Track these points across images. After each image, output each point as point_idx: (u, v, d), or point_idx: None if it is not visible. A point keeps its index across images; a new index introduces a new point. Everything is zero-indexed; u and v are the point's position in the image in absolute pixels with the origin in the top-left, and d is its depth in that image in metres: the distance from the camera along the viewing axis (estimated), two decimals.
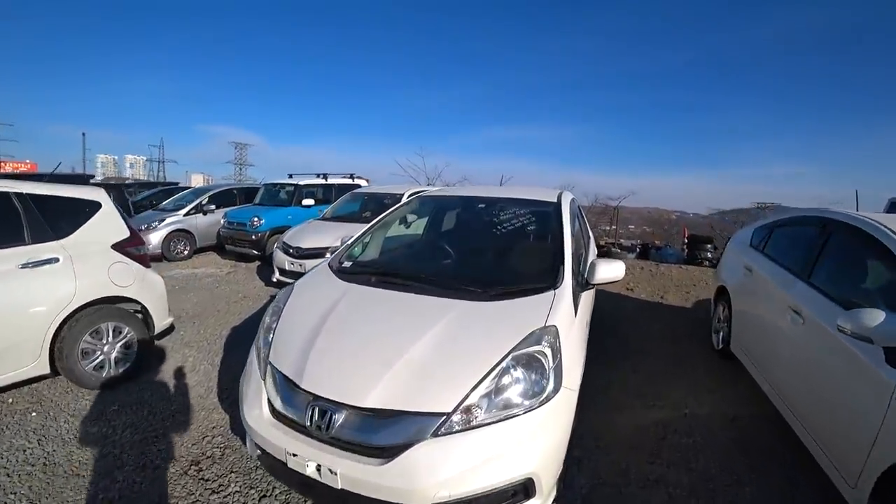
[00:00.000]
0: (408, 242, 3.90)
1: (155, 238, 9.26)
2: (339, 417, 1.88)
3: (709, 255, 9.74)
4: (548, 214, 3.25)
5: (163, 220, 9.49)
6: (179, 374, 3.97)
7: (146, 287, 3.99)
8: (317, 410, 1.92)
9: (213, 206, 10.14)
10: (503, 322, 2.15)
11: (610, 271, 2.75)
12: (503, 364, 1.94)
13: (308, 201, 9.39)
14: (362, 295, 2.51)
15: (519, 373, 1.94)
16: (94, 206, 3.85)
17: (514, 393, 1.90)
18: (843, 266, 2.81)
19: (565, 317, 2.23)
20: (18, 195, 3.43)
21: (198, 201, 10.10)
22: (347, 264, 2.98)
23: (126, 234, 3.96)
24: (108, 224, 3.88)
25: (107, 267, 3.72)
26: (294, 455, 1.93)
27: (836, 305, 2.47)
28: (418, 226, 4.28)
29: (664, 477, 2.67)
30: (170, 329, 5.04)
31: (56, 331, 3.43)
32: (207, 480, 2.63)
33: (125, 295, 3.81)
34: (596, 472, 2.70)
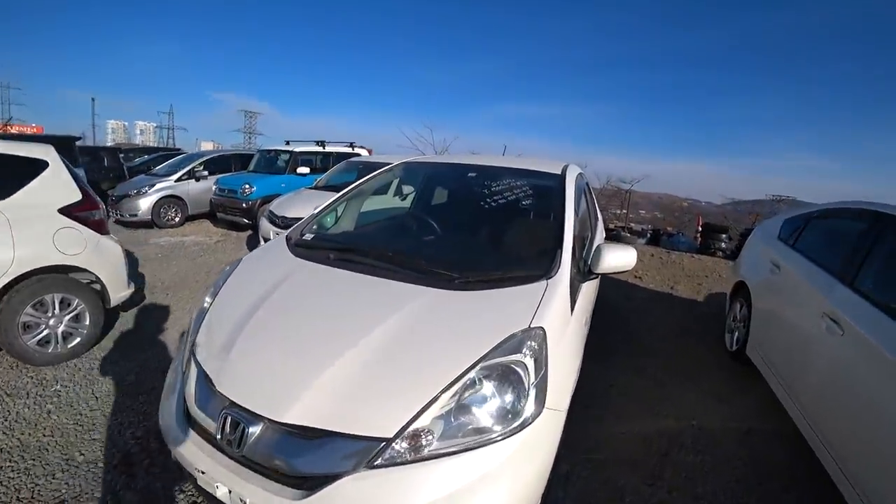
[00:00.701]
0: (387, 215, 3.46)
1: (144, 204, 8.91)
2: (255, 432, 1.48)
3: (723, 245, 9.21)
4: (548, 189, 2.78)
5: (153, 185, 9.10)
6: (134, 350, 3.62)
7: (100, 255, 3.60)
8: (229, 420, 1.52)
9: (205, 172, 9.73)
10: (477, 319, 1.72)
11: (619, 258, 2.28)
12: (469, 376, 1.50)
13: (303, 169, 8.94)
14: (312, 275, 2.09)
15: (489, 388, 1.52)
16: (40, 166, 3.43)
17: (480, 415, 1.48)
18: None
19: (557, 315, 1.81)
20: None
21: (190, 167, 9.69)
22: (308, 237, 2.54)
23: (77, 196, 3.55)
24: (56, 186, 3.47)
25: (52, 233, 3.33)
26: (202, 472, 1.55)
27: (893, 321, 2.01)
28: (409, 197, 3.86)
29: None
30: (140, 300, 4.74)
31: None
32: (134, 477, 2.30)
33: (73, 264, 3.43)
34: (585, 492, 2.31)
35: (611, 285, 5.92)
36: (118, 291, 3.76)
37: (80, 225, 3.51)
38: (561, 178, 2.78)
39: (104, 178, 10.99)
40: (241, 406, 1.53)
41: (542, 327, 1.67)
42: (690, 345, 4.27)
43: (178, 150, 18.24)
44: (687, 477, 2.49)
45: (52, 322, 3.38)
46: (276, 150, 9.83)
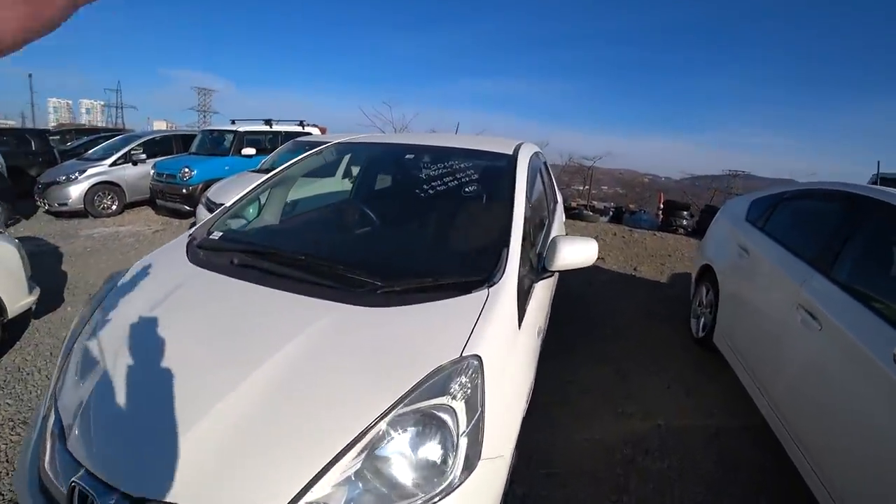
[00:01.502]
0: (317, 205, 3.07)
1: (75, 192, 8.11)
2: None
3: (684, 222, 9.19)
4: (497, 172, 2.45)
5: (84, 171, 8.29)
6: (37, 369, 3.15)
7: None
8: (77, 492, 1.16)
9: (143, 156, 8.95)
10: (395, 346, 1.38)
11: (577, 253, 1.97)
12: (380, 427, 1.18)
13: (249, 150, 8.31)
14: (202, 290, 1.70)
15: (404, 443, 1.19)
16: None
17: (395, 477, 1.16)
18: (886, 263, 2.15)
19: (501, 334, 1.49)
20: None
21: (126, 149, 8.89)
22: (215, 235, 2.13)
23: None
24: None
25: None
26: None
27: (882, 320, 1.80)
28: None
29: None
30: (58, 303, 4.22)
31: None
32: None
33: None
34: None
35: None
36: (16, 300, 3.26)
37: None
38: (512, 160, 2.44)
39: (32, 163, 9.99)
40: (91, 472, 1.17)
41: (477, 356, 1.34)
42: (655, 330, 4.10)
43: (122, 130, 16.96)
44: (655, 488, 2.28)
45: None
46: (219, 130, 9.14)
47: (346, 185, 3.54)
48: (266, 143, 9.11)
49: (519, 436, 1.56)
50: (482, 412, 1.27)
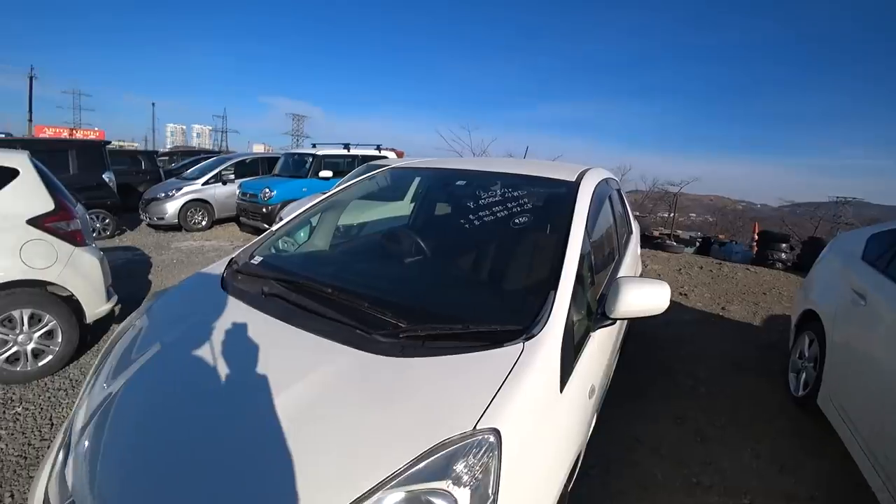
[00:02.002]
0: (367, 232, 2.98)
1: (171, 207, 8.90)
2: None
3: (783, 255, 8.20)
4: (554, 201, 2.21)
5: (180, 188, 9.09)
6: None
7: (73, 268, 3.33)
8: None
9: (232, 176, 9.66)
10: (399, 408, 1.18)
11: (643, 299, 1.66)
12: None
13: (326, 173, 8.66)
14: (224, 321, 1.60)
15: None
16: (8, 175, 3.20)
17: None
18: None
19: (532, 402, 1.23)
20: None
21: (217, 170, 9.64)
22: (255, 260, 2.07)
23: (49, 206, 3.29)
24: (25, 195, 3.23)
25: (19, 246, 3.08)
26: None
27: None
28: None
29: None
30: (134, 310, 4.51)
31: None
32: None
33: (42, 278, 3.17)
34: None
35: None
36: (95, 307, 3.48)
37: (51, 236, 3.25)
38: (572, 187, 2.17)
39: (141, 181, 11.15)
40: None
41: (495, 430, 1.09)
42: (744, 385, 3.54)
43: (220, 152, 18.58)
44: None
45: (20, 339, 3.14)
46: (300, 153, 9.64)
47: (387, 211, 3.46)
48: (344, 165, 9.46)
49: None
50: (495, 501, 1.03)
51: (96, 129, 41.17)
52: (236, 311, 1.65)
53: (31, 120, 32.50)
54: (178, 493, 1.05)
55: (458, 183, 2.62)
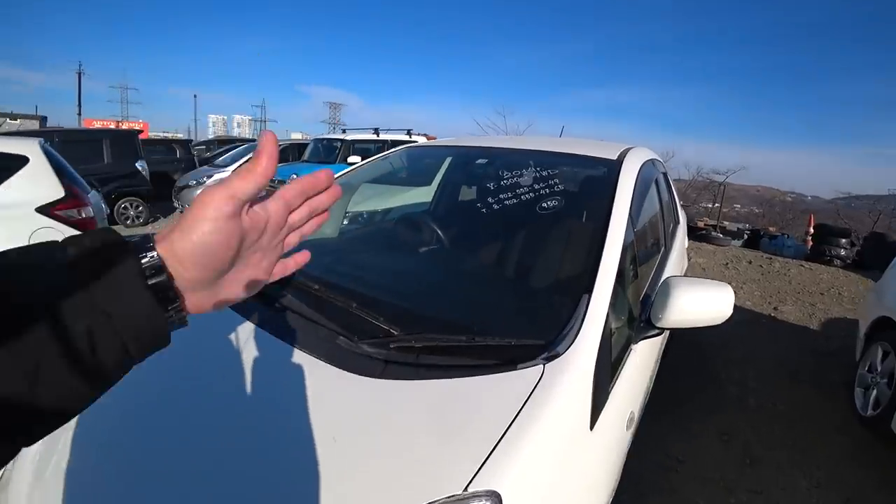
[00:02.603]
0: (382, 219, 2.73)
1: None
2: None
3: (842, 252, 7.51)
4: (591, 183, 1.91)
5: (211, 175, 9.12)
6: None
7: None
8: None
9: None
10: (367, 453, 0.92)
11: (701, 305, 1.33)
12: None
13: (354, 158, 8.50)
14: (205, 328, 1.36)
15: None
16: (17, 162, 3.14)
17: None
18: None
19: (550, 448, 0.95)
20: None
21: (248, 157, 9.63)
22: None
23: (59, 194, 3.23)
24: (36, 182, 3.17)
25: (28, 234, 3.02)
26: None
27: None
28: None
29: None
30: None
31: None
32: None
33: None
34: None
35: None
36: None
37: (62, 224, 3.19)
38: (613, 167, 1.82)
39: (176, 169, 11.32)
40: None
41: (494, 493, 0.82)
42: (800, 398, 3.15)
43: (251, 139, 18.76)
44: None
45: None
46: (329, 139, 9.53)
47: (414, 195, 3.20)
48: (374, 150, 9.29)
49: None
50: None
51: (140, 121, 42.67)
52: (225, 315, 1.43)
53: (80, 114, 34.01)
54: None
55: (479, 162, 2.33)
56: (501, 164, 2.07)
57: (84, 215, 3.33)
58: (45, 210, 3.13)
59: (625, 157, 1.95)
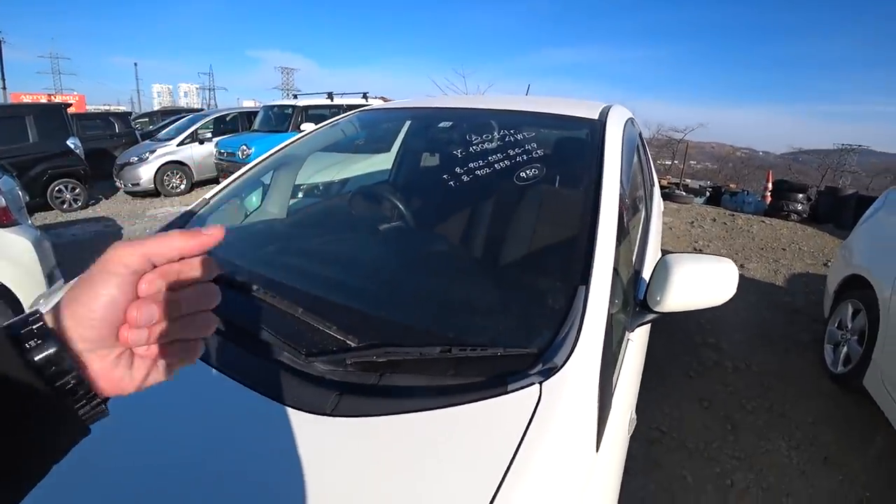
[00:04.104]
0: (335, 193, 2.48)
1: (145, 172, 8.29)
2: None
3: (799, 207, 7.69)
4: (574, 146, 1.71)
5: (153, 151, 8.45)
6: None
7: (0, 254, 2.86)
8: None
9: (209, 134, 8.99)
10: None
11: (704, 285, 1.17)
12: None
13: (307, 126, 8.01)
14: None
15: None
16: None
17: None
18: None
19: (556, 486, 0.76)
20: None
21: (193, 128, 8.96)
22: None
23: None
24: None
25: None
26: None
27: None
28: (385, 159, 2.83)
29: None
30: None
31: None
32: None
33: None
34: None
35: None
36: (33, 295, 3.04)
37: None
38: (597, 127, 1.61)
39: (116, 145, 10.44)
40: None
41: None
42: (774, 359, 3.16)
43: (200, 110, 17.63)
44: None
45: None
46: (280, 106, 8.93)
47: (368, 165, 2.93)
48: (329, 116, 8.79)
49: None
50: None
51: (76, 93, 39.27)
52: None
53: (3, 88, 30.28)
54: None
55: (442, 125, 2.08)
56: (469, 127, 1.81)
57: None
58: None
59: (607, 115, 1.73)
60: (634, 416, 1.22)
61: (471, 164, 1.57)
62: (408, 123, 2.43)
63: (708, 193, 8.94)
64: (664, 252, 1.79)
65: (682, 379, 2.84)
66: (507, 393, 0.83)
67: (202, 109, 21.64)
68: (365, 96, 9.37)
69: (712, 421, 2.50)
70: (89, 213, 7.41)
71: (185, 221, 1.67)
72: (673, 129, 19.00)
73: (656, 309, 1.21)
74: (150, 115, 16.84)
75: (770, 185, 8.26)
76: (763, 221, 7.16)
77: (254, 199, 2.14)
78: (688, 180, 10.10)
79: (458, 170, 1.56)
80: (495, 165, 1.56)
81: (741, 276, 4.22)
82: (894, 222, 2.76)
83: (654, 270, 1.23)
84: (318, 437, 0.79)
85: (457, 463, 0.75)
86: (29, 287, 2.98)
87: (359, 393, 0.86)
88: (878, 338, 2.43)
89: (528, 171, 1.53)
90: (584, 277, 1.05)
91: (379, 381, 0.88)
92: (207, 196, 1.86)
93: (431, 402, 0.83)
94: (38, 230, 3.18)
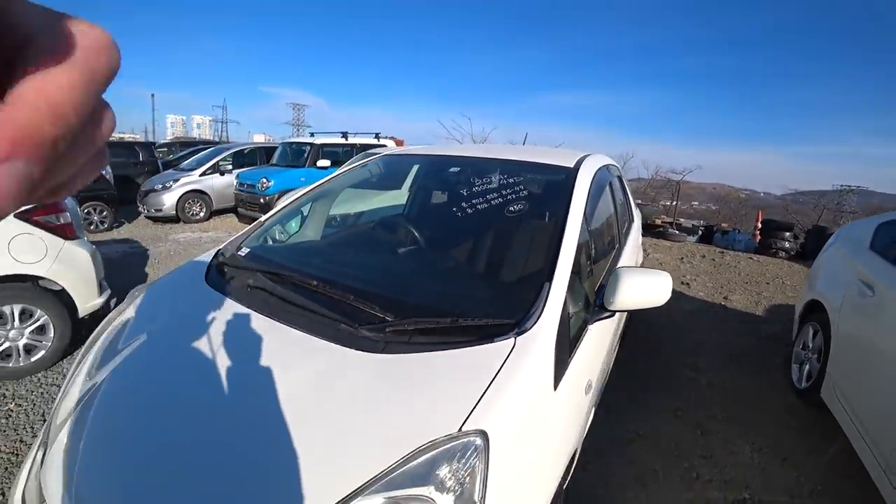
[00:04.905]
0: (360, 222, 2.93)
1: (168, 199, 8.81)
2: None
3: (786, 245, 8.11)
4: (551, 188, 2.16)
5: (177, 179, 9.01)
6: None
7: (64, 263, 3.27)
8: None
9: (230, 166, 9.56)
10: (382, 410, 1.13)
11: (642, 290, 1.60)
12: None
13: (323, 162, 8.58)
14: (205, 316, 1.55)
15: None
16: None
17: None
18: None
19: (523, 400, 1.18)
20: None
21: (215, 160, 9.54)
22: (242, 252, 2.01)
23: None
24: None
25: (7, 240, 3.02)
26: None
27: None
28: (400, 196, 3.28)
29: None
30: None
31: None
32: None
33: (31, 273, 3.12)
34: None
35: None
36: (87, 301, 3.44)
37: (41, 230, 3.19)
38: (571, 174, 2.09)
39: (139, 172, 11.06)
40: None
41: (482, 431, 1.04)
42: (746, 377, 3.49)
43: (218, 142, 18.44)
44: None
45: (11, 334, 3.10)
46: (298, 143, 9.53)
47: (383, 200, 3.40)
48: (342, 154, 9.35)
49: None
50: None
51: None
52: (220, 306, 1.59)
53: None
54: (153, 493, 1.01)
55: (453, 170, 2.56)
56: (473, 171, 2.32)
57: (62, 221, 3.33)
58: (25, 216, 3.13)
59: (581, 164, 2.22)
60: (593, 383, 1.61)
61: (473, 200, 2.06)
62: (419, 167, 2.92)
63: (700, 232, 9.37)
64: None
65: (660, 392, 3.16)
66: (492, 342, 1.26)
67: (219, 141, 22.56)
68: (377, 136, 9.99)
69: (684, 427, 2.81)
70: (114, 234, 7.87)
71: (254, 229, 2.16)
72: (672, 170, 19.63)
73: (609, 308, 1.64)
74: (170, 145, 17.62)
75: (759, 224, 8.68)
76: (751, 258, 7.54)
77: (293, 224, 2.58)
78: (681, 219, 10.54)
79: (463, 203, 2.07)
80: (491, 201, 2.07)
81: (723, 308, 4.66)
82: (842, 254, 3.14)
83: (608, 280, 1.64)
84: (375, 363, 1.23)
85: (457, 380, 1.17)
86: (84, 292, 3.39)
87: (397, 342, 1.29)
88: (830, 353, 2.78)
89: (515, 206, 2.03)
90: (549, 277, 1.49)
91: (409, 339, 1.29)
92: (262, 219, 2.33)
93: (445, 346, 1.26)
94: (93, 245, 3.60)
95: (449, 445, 1.01)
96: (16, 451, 2.47)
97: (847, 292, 2.78)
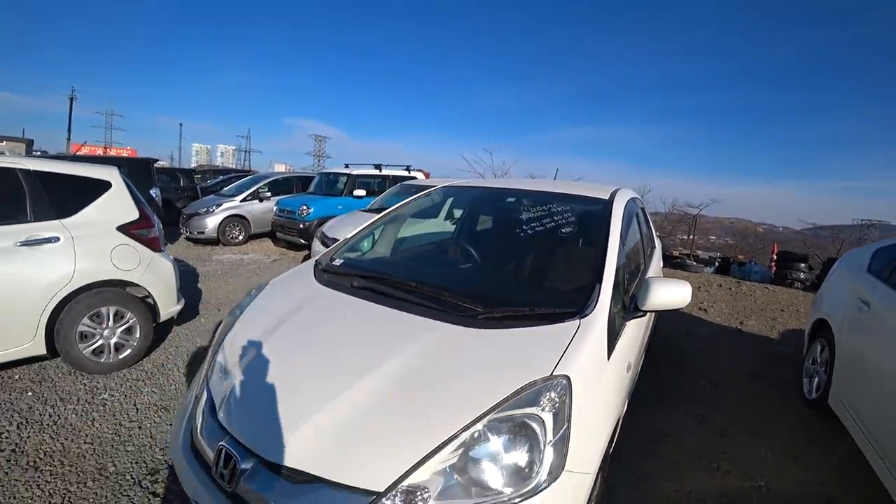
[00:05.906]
0: (424, 241, 3.38)
1: (211, 222, 9.42)
2: (247, 469, 1.39)
3: (802, 275, 8.37)
4: (593, 215, 2.59)
5: (220, 204, 9.64)
6: (176, 367, 3.70)
7: (152, 271, 3.76)
8: (223, 454, 1.44)
9: (269, 194, 10.20)
10: (494, 361, 1.56)
11: (669, 294, 2.03)
12: (476, 428, 1.34)
13: (360, 192, 9.16)
14: (329, 304, 2.01)
15: (498, 444, 1.33)
16: (103, 186, 3.68)
17: (486, 474, 1.30)
18: None
19: (589, 361, 1.61)
20: (24, 172, 3.31)
21: (255, 188, 10.20)
22: (337, 262, 2.49)
23: (135, 215, 3.75)
24: (116, 205, 3.69)
25: (110, 249, 3.52)
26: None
27: None
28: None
29: None
30: (193, 315, 4.93)
31: (54, 311, 3.28)
32: (156, 495, 2.30)
33: (127, 279, 3.60)
34: None
35: (670, 317, 5.46)
36: (168, 307, 3.91)
37: (136, 242, 3.69)
38: (607, 204, 2.57)
39: (179, 197, 11.81)
40: (235, 439, 1.45)
41: (566, 376, 1.47)
42: (761, 389, 3.79)
43: (249, 171, 19.39)
44: None
45: (106, 333, 3.53)
46: (335, 173, 10.15)
47: (448, 226, 3.86)
48: (375, 185, 9.95)
49: (605, 461, 1.64)
50: (568, 426, 1.39)
51: (128, 147, 42.98)
52: (339, 297, 2.06)
53: (69, 139, 34.25)
54: (307, 431, 1.40)
55: (509, 199, 3.06)
56: (528, 200, 2.86)
57: (152, 235, 3.84)
58: (124, 229, 3.63)
59: (615, 196, 2.72)
60: (631, 365, 2.04)
61: (532, 223, 2.59)
62: (477, 196, 3.46)
63: (717, 263, 9.66)
64: None
65: (679, 401, 3.48)
66: (563, 322, 1.71)
67: (244, 170, 23.55)
68: (408, 168, 10.60)
69: (704, 430, 3.12)
70: None
71: (341, 246, 2.67)
72: (689, 204, 19.91)
73: (642, 308, 2.08)
74: (203, 172, 18.58)
75: (775, 256, 8.96)
76: (767, 288, 7.80)
77: (365, 244, 3.02)
78: (699, 251, 10.84)
79: (524, 226, 2.61)
80: (546, 224, 2.58)
81: (739, 332, 5.04)
82: (844, 276, 3.47)
83: (640, 288, 2.09)
84: (473, 334, 1.69)
85: (542, 346, 1.60)
86: (166, 298, 3.87)
87: (490, 319, 1.75)
88: (835, 365, 3.09)
89: (566, 228, 2.55)
90: (599, 280, 1.95)
91: (499, 324, 1.74)
92: (348, 237, 2.81)
93: (528, 325, 1.70)
94: (172, 258, 4.10)
95: (546, 383, 1.44)
96: (117, 433, 2.83)
97: (848, 309, 3.12)
